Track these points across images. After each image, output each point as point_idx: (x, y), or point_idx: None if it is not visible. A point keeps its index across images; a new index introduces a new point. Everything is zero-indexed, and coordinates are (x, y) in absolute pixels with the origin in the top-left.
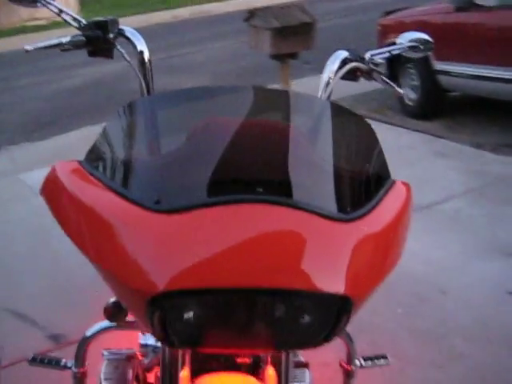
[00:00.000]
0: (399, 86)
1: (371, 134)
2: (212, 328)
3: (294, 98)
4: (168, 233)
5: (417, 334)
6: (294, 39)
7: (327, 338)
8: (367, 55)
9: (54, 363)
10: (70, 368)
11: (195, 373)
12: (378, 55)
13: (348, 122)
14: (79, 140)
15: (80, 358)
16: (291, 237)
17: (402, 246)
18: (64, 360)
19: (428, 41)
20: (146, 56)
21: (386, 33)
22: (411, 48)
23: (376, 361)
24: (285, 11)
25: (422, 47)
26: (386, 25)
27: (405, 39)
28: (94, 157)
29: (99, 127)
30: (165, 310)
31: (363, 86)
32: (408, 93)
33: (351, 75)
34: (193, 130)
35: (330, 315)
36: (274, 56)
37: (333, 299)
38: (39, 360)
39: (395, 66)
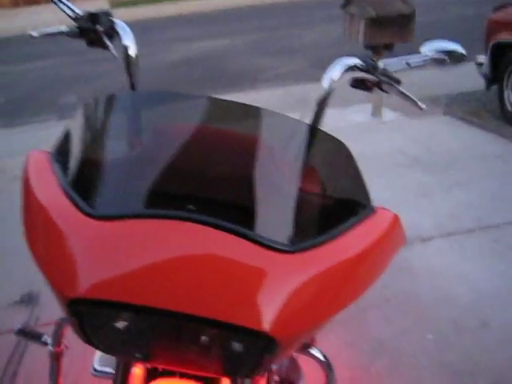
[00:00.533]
0: (504, 87)
1: (348, 159)
2: (132, 342)
3: (266, 116)
4: (96, 239)
5: (441, 365)
6: (390, 30)
7: (254, 371)
8: (380, 64)
9: (36, 338)
10: (47, 345)
11: (151, 374)
12: (393, 65)
13: (322, 146)
14: None
15: (56, 338)
16: (218, 262)
17: (362, 284)
18: (45, 336)
19: (459, 53)
20: (133, 51)
21: (495, 30)
22: (436, 61)
23: None
24: (383, 0)
25: (449, 60)
26: (496, 21)
27: (430, 49)
28: (59, 149)
29: None
30: (81, 314)
31: (462, 84)
32: (511, 97)
33: (361, 85)
34: (145, 135)
35: (253, 350)
36: (368, 46)
37: (255, 337)
38: (24, 333)
39: (501, 64)
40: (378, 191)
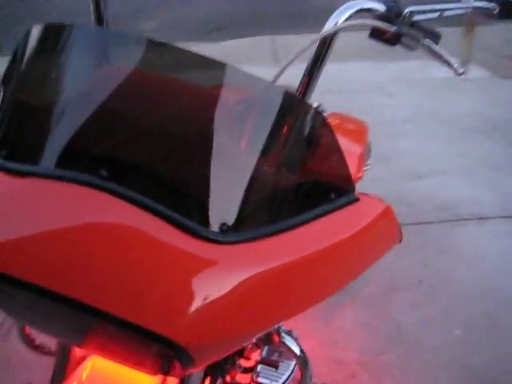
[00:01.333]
0: None
1: (329, 136)
2: (35, 319)
3: (232, 73)
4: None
5: (462, 368)
6: None
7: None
8: (406, 11)
9: None
10: None
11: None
12: (420, 14)
13: (298, 116)
14: (250, 48)
15: None
16: (128, 247)
17: (321, 289)
18: None
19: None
20: None
21: None
22: (480, 11)
23: None
24: None
25: (498, 11)
26: None
27: None
28: (4, 76)
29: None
30: None
31: None
32: None
33: (381, 36)
34: (85, 78)
35: (164, 356)
36: None
37: (163, 342)
38: None
39: None
40: (442, 157)
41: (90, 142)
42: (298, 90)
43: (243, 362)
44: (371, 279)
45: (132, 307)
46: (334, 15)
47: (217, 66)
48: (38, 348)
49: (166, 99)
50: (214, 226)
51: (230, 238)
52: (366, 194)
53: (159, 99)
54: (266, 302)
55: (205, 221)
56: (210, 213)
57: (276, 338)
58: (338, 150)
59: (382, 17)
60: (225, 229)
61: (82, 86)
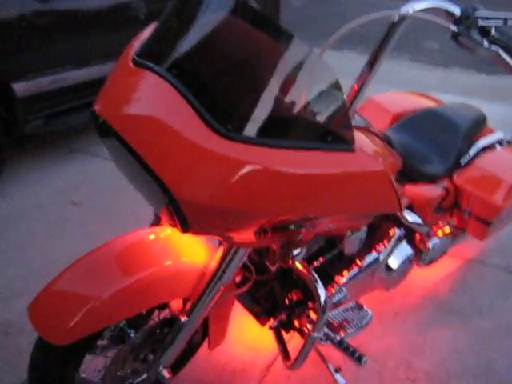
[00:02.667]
0: None
1: (338, 95)
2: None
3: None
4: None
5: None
6: None
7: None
8: (476, 14)
9: None
10: None
11: None
12: (487, 20)
13: (318, 73)
14: None
15: None
16: (166, 123)
17: (296, 206)
18: None
19: None
20: None
21: None
22: None
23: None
24: None
25: None
26: None
27: None
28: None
29: None
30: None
31: None
32: None
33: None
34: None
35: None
36: None
37: (164, 189)
38: None
39: None
40: None
41: (178, 54)
42: (361, 74)
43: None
44: None
45: (158, 161)
46: (410, 2)
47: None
48: None
49: (235, 40)
50: (230, 126)
51: (240, 137)
52: (366, 153)
53: (230, 39)
54: (260, 192)
55: (225, 121)
56: (230, 116)
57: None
58: (343, 105)
59: (453, 18)
60: (236, 128)
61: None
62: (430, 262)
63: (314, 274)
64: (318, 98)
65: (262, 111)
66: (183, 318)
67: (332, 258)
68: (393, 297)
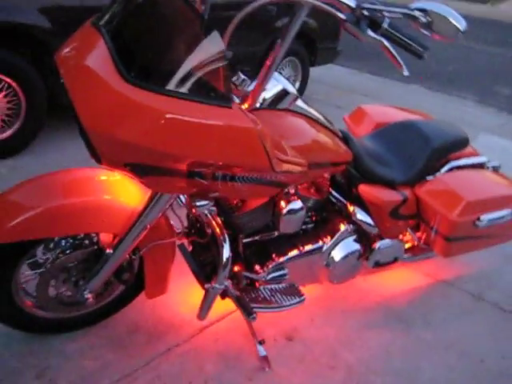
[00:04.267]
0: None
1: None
2: None
3: None
4: None
5: None
6: None
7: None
8: (362, 5)
9: None
10: None
11: None
12: (367, 10)
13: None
14: None
15: None
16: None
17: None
18: None
19: (453, 26)
20: None
21: None
22: (416, 21)
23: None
24: None
25: (434, 28)
26: None
27: (421, 6)
28: None
29: None
30: None
31: None
32: None
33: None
34: None
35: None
36: None
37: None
38: None
39: None
40: None
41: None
42: (271, 53)
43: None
44: None
45: (76, 95)
46: None
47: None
48: None
49: (150, 13)
50: (133, 74)
51: (139, 84)
52: (242, 111)
53: (147, 11)
54: (149, 130)
55: (130, 70)
56: (135, 67)
57: None
58: (225, 69)
59: (350, 9)
60: (138, 77)
61: None
62: (378, 264)
63: (225, 232)
64: (206, 62)
65: (158, 67)
66: (108, 251)
67: (273, 236)
68: (347, 297)
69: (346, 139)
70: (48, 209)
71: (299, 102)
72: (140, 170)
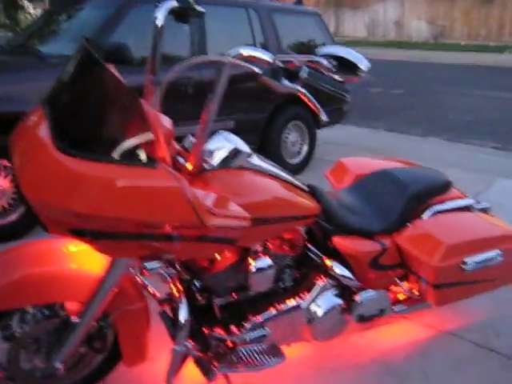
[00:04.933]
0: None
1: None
2: None
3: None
4: None
5: None
6: None
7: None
8: (277, 59)
9: None
10: None
11: None
12: (281, 62)
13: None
14: None
15: None
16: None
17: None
18: None
19: (354, 65)
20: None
21: None
22: (317, 63)
23: None
24: None
25: (329, 67)
26: None
27: (325, 51)
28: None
29: None
30: None
31: None
32: None
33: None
34: None
35: None
36: None
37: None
38: None
39: None
40: None
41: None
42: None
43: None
44: None
45: (19, 171)
46: (236, 49)
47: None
48: None
49: (82, 85)
50: (66, 144)
51: (71, 152)
52: (167, 170)
53: (79, 85)
54: (83, 192)
55: (63, 141)
56: (67, 138)
57: None
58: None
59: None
60: (69, 146)
61: None
62: (364, 318)
63: (182, 294)
64: (128, 129)
65: (88, 136)
66: (74, 319)
67: (249, 296)
68: (341, 354)
69: (314, 193)
70: (15, 280)
71: (254, 159)
72: (85, 236)
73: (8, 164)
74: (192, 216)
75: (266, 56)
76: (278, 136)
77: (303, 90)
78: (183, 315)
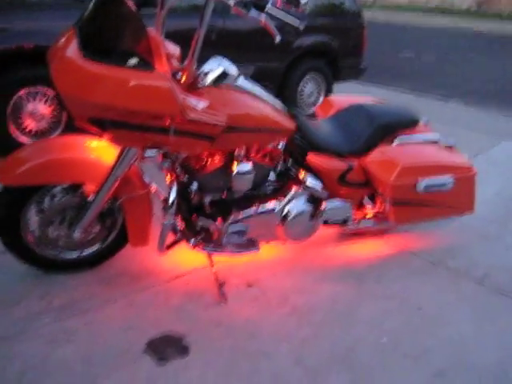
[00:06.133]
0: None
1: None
2: None
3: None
4: None
5: None
6: None
7: None
8: None
9: None
10: None
11: None
12: None
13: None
14: None
15: None
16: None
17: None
18: None
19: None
20: None
21: None
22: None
23: None
24: None
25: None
26: None
27: None
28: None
29: None
30: None
31: None
32: None
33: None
34: None
35: None
36: None
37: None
38: None
39: None
40: None
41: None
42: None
43: None
44: None
45: (54, 71)
46: None
47: None
48: None
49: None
50: (88, 51)
51: (93, 57)
52: (162, 75)
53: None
54: (98, 90)
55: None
56: (90, 47)
57: None
58: (147, 40)
59: None
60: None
61: None
62: (328, 223)
63: (174, 180)
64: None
65: (106, 48)
66: (90, 197)
67: (233, 196)
68: (313, 259)
69: (293, 115)
70: (47, 160)
71: (241, 81)
72: (102, 125)
73: (48, 93)
74: (175, 107)
75: None
76: (295, 86)
77: (266, 21)
78: (172, 196)
